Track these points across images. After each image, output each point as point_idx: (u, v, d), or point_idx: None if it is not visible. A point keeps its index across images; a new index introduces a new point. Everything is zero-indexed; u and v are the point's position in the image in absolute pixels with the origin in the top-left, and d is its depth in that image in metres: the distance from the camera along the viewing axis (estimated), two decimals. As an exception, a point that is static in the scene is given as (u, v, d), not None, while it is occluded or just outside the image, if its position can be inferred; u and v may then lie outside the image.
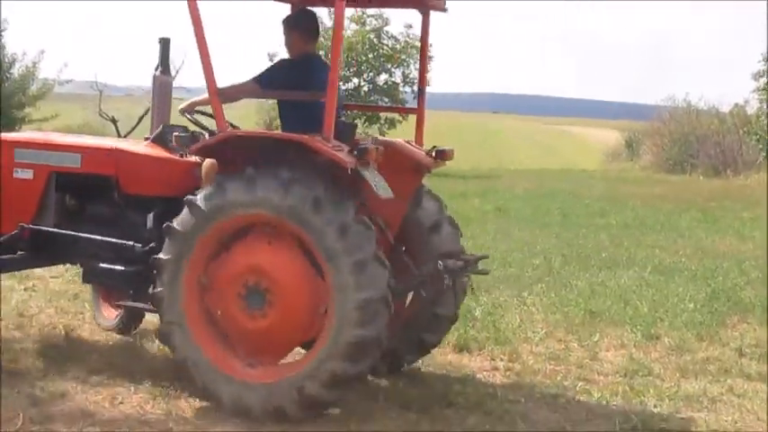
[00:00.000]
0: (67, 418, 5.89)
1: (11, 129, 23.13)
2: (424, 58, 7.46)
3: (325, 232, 5.69)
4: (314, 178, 5.79)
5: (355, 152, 5.84)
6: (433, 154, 6.89)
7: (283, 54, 7.02)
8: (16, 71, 26.73)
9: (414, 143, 6.92)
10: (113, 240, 6.71)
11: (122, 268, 6.60)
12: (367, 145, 5.95)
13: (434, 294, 6.64)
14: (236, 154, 6.10)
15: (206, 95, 6.37)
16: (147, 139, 7.10)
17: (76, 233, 6.87)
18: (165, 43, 6.85)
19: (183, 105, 6.83)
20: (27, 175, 6.96)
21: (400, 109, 7.54)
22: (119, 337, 7.77)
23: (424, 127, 7.05)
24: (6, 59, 26.77)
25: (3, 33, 26.59)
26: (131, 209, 6.71)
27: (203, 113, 6.85)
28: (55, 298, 9.15)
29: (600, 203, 21.85)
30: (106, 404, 6.18)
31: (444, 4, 6.88)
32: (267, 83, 6.56)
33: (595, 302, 9.79)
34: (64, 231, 6.92)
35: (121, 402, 6.22)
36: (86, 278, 7.08)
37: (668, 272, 12.14)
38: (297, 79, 6.47)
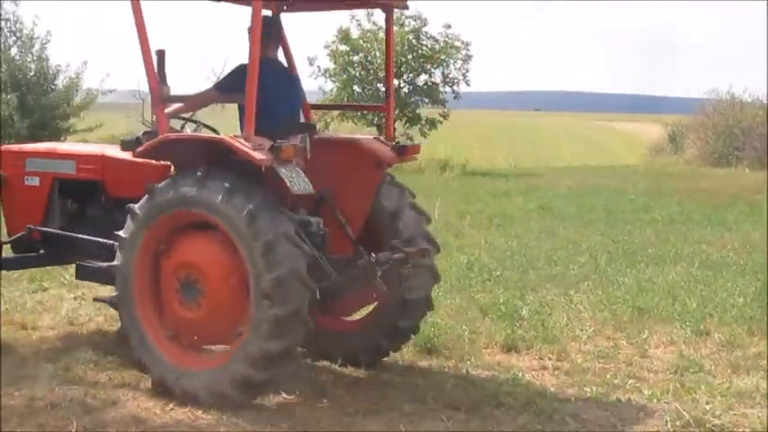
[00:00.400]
0: (119, 424, 5.95)
1: (56, 139, 23.41)
2: (389, 55, 7.45)
3: (237, 219, 6.04)
4: (227, 174, 6.16)
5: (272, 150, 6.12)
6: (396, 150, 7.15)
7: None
8: (60, 82, 27.03)
9: (382, 139, 7.22)
10: (102, 240, 7.07)
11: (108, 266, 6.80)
12: (282, 144, 6.19)
13: (400, 280, 6.87)
14: (177, 155, 6.59)
15: (181, 104, 7.01)
16: None
17: (73, 234, 7.40)
18: (160, 55, 7.00)
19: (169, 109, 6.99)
20: (35, 182, 7.66)
21: (368, 107, 7.81)
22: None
23: (392, 123, 7.37)
24: (51, 71, 27.09)
25: (47, 46, 26.94)
26: (118, 211, 6.94)
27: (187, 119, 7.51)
28: (104, 306, 9.19)
29: (644, 199, 21.67)
30: (157, 410, 6.23)
31: (405, 0, 7.19)
32: (226, 87, 6.91)
33: (643, 299, 9.72)
34: (60, 232, 7.46)
35: (173, 409, 6.26)
36: (78, 276, 7.57)
37: (716, 267, 12.01)
38: (264, 82, 6.51)
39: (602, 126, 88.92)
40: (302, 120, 7.29)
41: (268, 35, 6.77)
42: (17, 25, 26.48)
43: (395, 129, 7.74)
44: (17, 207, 7.75)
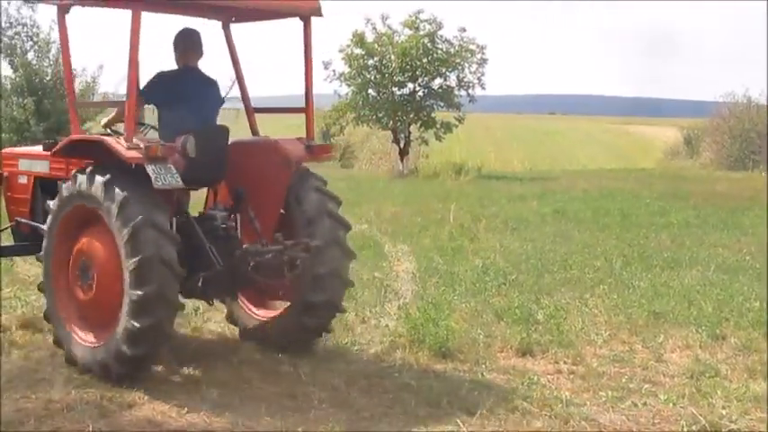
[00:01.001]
0: (135, 428, 5.97)
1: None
2: (308, 63, 7.81)
3: (111, 209, 6.70)
4: (112, 170, 6.84)
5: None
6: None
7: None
8: (77, 86, 27.11)
9: (305, 139, 7.83)
10: None
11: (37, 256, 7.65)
12: (151, 143, 6.86)
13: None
14: (83, 154, 7.33)
15: (118, 112, 7.81)
16: None
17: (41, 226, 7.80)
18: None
19: (103, 121, 7.99)
20: (24, 180, 8.45)
21: (288, 110, 8.08)
22: (184, 346, 7.84)
23: (313, 124, 7.95)
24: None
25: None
26: None
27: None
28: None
29: (660, 202, 21.62)
30: (173, 414, 6.25)
31: (320, 9, 7.67)
32: (146, 94, 7.54)
33: (659, 303, 9.69)
34: (39, 225, 7.92)
35: (188, 412, 6.28)
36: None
37: (732, 271, 11.97)
38: (173, 88, 7.50)
39: (618, 129, 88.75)
40: (218, 122, 7.87)
41: (193, 46, 7.68)
42: (34, 30, 26.61)
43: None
44: (13, 202, 8.63)
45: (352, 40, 40.16)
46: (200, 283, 7.16)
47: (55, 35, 26.56)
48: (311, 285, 7.54)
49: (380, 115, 40.54)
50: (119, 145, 6.84)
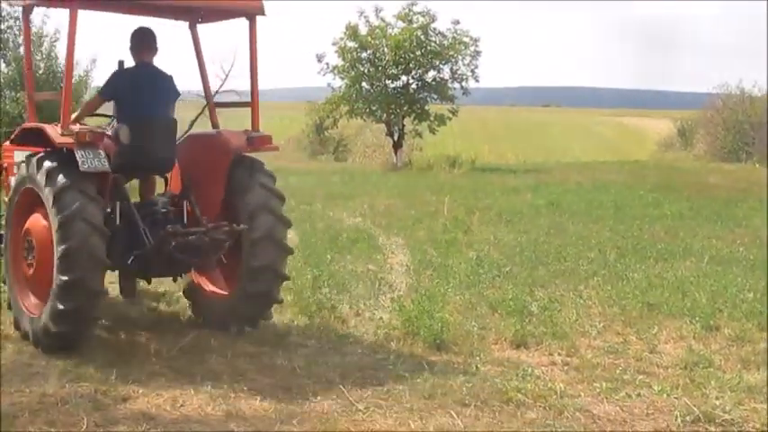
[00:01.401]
0: (130, 421, 5.95)
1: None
2: (253, 60, 8.29)
3: (49, 198, 7.26)
4: (53, 156, 7.44)
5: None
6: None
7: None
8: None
9: (249, 131, 8.29)
10: None
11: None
12: (81, 130, 7.38)
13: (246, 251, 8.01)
14: (35, 141, 7.82)
15: (81, 107, 8.67)
16: None
17: None
18: (120, 64, 8.29)
19: (73, 116, 8.13)
20: (17, 170, 8.41)
21: (236, 104, 8.55)
22: (178, 341, 7.84)
23: (258, 115, 8.34)
24: (60, 69, 27.13)
25: (56, 44, 26.95)
26: None
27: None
28: (113, 306, 9.24)
29: (654, 194, 21.67)
30: (167, 407, 6.24)
31: (263, 8, 8.12)
32: (106, 92, 8.26)
33: (653, 294, 9.71)
34: None
35: (182, 405, 6.28)
36: None
37: (726, 262, 12.01)
38: (127, 84, 8.09)
39: (611, 122, 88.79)
40: (173, 115, 8.33)
41: (146, 43, 8.22)
42: (26, 23, 26.56)
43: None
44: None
45: (345, 33, 40.13)
46: (130, 261, 7.84)
47: (48, 28, 26.55)
48: (247, 276, 8.04)
49: (374, 108, 40.54)
50: (54, 132, 7.49)
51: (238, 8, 8.25)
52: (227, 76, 32.25)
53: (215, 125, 8.67)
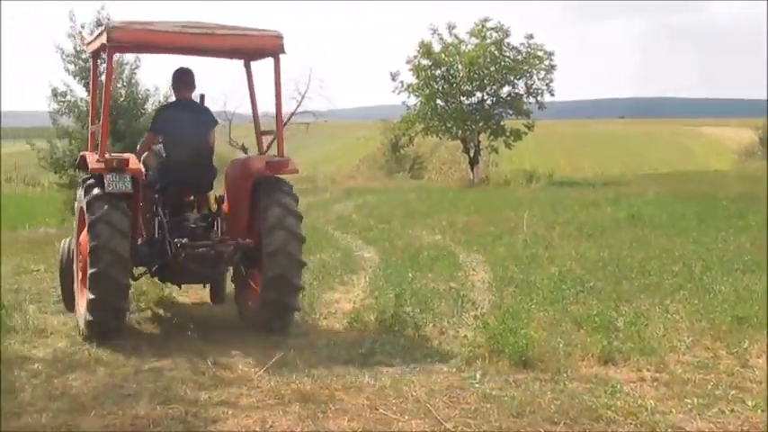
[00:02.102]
0: (220, 442, 6.01)
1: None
2: (278, 94, 9.38)
3: (84, 209, 8.75)
4: (91, 180, 8.84)
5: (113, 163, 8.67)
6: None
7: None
8: (150, 106, 27.56)
9: (270, 156, 9.37)
10: None
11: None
12: (112, 158, 8.64)
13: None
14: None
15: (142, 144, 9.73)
16: None
17: None
18: (202, 97, 9.66)
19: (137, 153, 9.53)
20: None
21: (267, 132, 9.52)
22: (265, 360, 7.90)
23: (282, 142, 9.35)
24: (140, 96, 27.67)
25: (136, 71, 27.49)
26: None
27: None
28: (201, 326, 9.37)
29: (737, 204, 21.27)
30: (257, 428, 6.27)
31: (283, 47, 9.10)
32: (154, 128, 9.60)
33: (742, 308, 9.50)
34: None
35: (271, 426, 6.30)
36: None
37: (815, 272, 11.70)
38: (168, 118, 9.49)
39: (689, 131, 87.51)
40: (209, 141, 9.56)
41: (184, 82, 9.51)
42: (107, 53, 27.11)
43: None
44: None
45: (419, 51, 40.26)
46: (153, 270, 9.28)
47: (128, 56, 27.04)
48: (264, 286, 8.98)
49: (449, 125, 40.59)
50: (92, 159, 8.88)
51: (261, 49, 9.36)
52: (302, 97, 32.57)
53: (260, 150, 9.74)
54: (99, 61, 10.78)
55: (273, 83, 9.25)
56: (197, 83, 9.59)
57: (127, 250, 8.50)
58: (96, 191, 8.61)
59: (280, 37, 9.10)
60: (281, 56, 9.17)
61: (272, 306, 8.94)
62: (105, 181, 8.53)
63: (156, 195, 9.33)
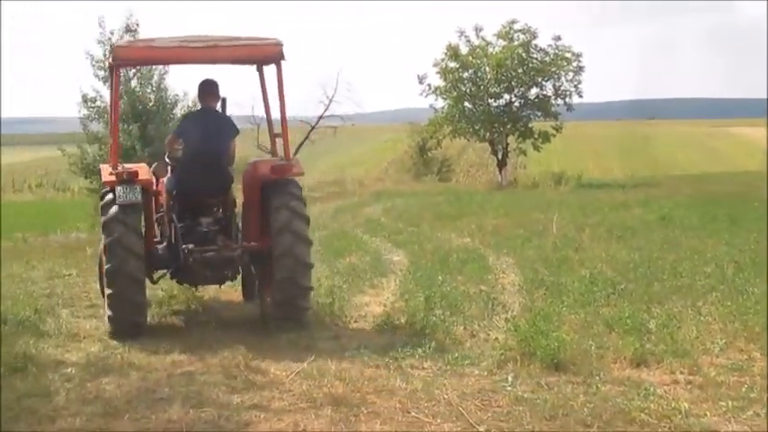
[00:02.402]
0: (253, 445, 6.03)
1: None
2: (282, 99, 9.72)
3: (101, 226, 9.37)
4: (107, 193, 9.34)
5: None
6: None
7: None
8: (179, 111, 27.71)
9: (277, 159, 9.88)
10: None
11: None
12: (122, 170, 9.17)
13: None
14: None
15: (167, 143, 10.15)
16: None
17: None
18: (223, 101, 9.92)
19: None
20: None
21: (277, 135, 10.06)
22: (296, 364, 7.93)
23: (288, 145, 9.79)
24: (169, 101, 27.84)
25: (165, 77, 27.65)
26: None
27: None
28: (231, 330, 9.41)
29: (769, 206, 21.06)
30: (289, 431, 6.29)
31: (282, 54, 9.50)
32: (177, 131, 10.04)
33: (776, 310, 9.40)
34: None
35: (304, 429, 6.31)
36: None
37: None
38: (193, 124, 9.90)
39: (720, 132, 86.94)
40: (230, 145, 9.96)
41: (208, 92, 9.87)
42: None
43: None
44: None
45: (446, 54, 40.25)
46: (168, 273, 9.82)
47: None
48: (273, 287, 9.35)
49: (477, 127, 40.53)
50: (106, 172, 9.46)
51: (261, 57, 9.86)
52: (330, 101, 32.65)
53: (273, 153, 10.20)
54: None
55: (277, 89, 9.67)
56: (223, 88, 9.93)
57: (141, 247, 9.06)
58: (109, 199, 9.20)
59: (279, 45, 9.52)
60: (283, 62, 9.55)
61: (284, 307, 9.28)
62: (116, 193, 9.05)
63: (172, 202, 9.71)
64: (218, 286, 10.57)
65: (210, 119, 9.79)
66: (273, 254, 9.23)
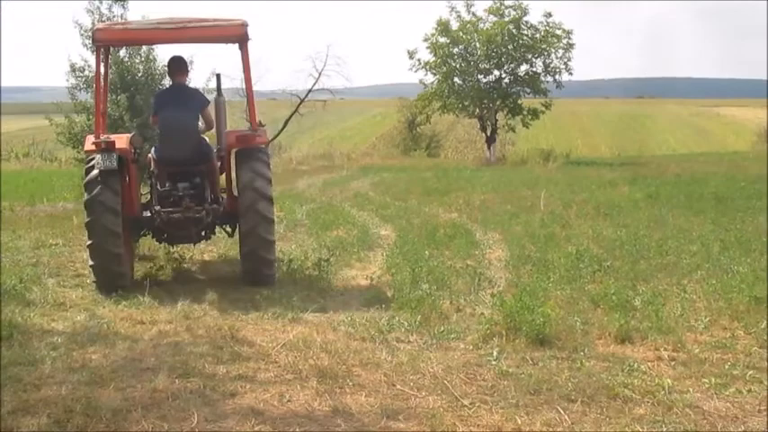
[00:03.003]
0: (238, 416, 6.04)
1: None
2: (248, 78, 10.65)
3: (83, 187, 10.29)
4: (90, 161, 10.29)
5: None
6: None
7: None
8: (167, 82, 27.53)
9: (245, 129, 10.89)
10: None
11: None
12: (101, 140, 10.16)
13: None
14: None
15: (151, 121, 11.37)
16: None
17: None
18: (218, 76, 11.02)
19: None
20: None
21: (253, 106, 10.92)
22: (282, 336, 7.95)
23: (255, 115, 10.61)
24: (158, 72, 27.65)
25: (153, 48, 27.45)
26: None
27: None
28: (218, 301, 9.42)
29: (756, 185, 21.15)
30: (275, 402, 6.31)
31: (246, 35, 10.39)
32: (154, 107, 10.93)
33: (760, 288, 9.43)
34: None
35: (289, 400, 6.34)
36: None
37: (835, 254, 11.63)
38: (166, 100, 10.72)
39: (708, 112, 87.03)
40: (201, 124, 10.78)
41: (176, 68, 10.77)
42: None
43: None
44: None
45: (436, 29, 40.12)
46: (145, 232, 10.92)
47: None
48: (242, 241, 10.30)
49: (466, 103, 40.46)
50: (88, 142, 10.41)
51: (227, 36, 10.57)
52: (319, 74, 32.48)
53: (252, 125, 10.65)
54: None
55: (242, 65, 10.50)
56: (219, 64, 11.17)
57: (117, 204, 9.94)
58: (90, 165, 10.15)
59: (244, 25, 10.40)
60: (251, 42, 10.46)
61: (251, 259, 10.15)
62: (95, 160, 10.01)
63: (156, 170, 10.64)
64: (206, 256, 11.45)
65: (179, 93, 10.66)
66: (239, 211, 10.18)
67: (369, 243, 13.37)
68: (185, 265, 11.56)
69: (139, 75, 26.92)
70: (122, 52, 26.88)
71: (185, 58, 10.93)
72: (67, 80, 28.03)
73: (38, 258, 12.08)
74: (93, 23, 26.83)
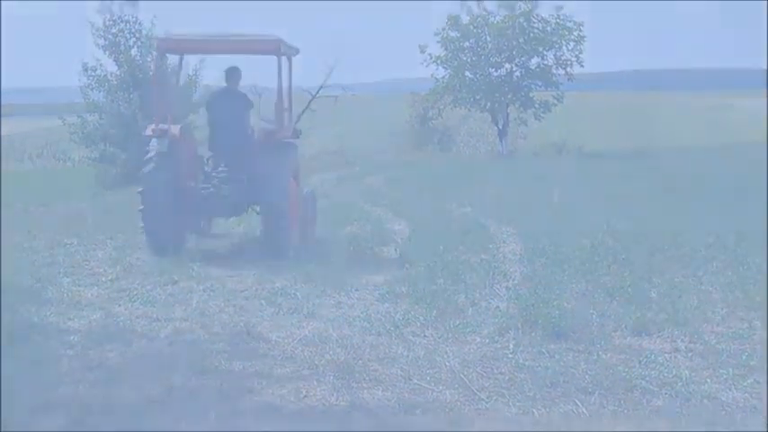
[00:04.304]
0: (255, 412, 6.05)
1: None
2: (280, 83, 12.30)
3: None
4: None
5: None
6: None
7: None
8: (179, 80, 27.54)
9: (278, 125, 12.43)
10: None
11: None
12: (162, 128, 11.90)
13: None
14: None
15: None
16: None
17: None
18: (255, 87, 12.66)
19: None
20: None
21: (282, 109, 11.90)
22: (298, 332, 7.95)
23: (282, 116, 12.33)
24: (169, 69, 27.69)
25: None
26: None
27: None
28: (232, 297, 9.43)
29: (771, 176, 21.00)
30: (291, 398, 6.33)
31: (279, 49, 12.09)
32: (206, 105, 13.08)
33: (776, 279, 9.42)
34: None
35: (306, 396, 6.35)
36: None
37: None
38: (214, 100, 12.89)
39: (721, 104, 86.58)
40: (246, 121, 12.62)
41: (230, 77, 12.65)
42: (136, 27, 27.09)
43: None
44: None
45: (447, 23, 40.00)
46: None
47: (157, 31, 27.00)
48: (261, 216, 12.00)
49: (478, 97, 40.31)
50: (149, 129, 12.12)
51: (263, 50, 12.60)
52: (331, 70, 32.51)
53: (278, 123, 12.26)
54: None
55: (276, 75, 12.22)
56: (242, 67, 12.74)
57: (164, 179, 11.65)
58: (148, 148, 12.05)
59: (277, 41, 12.05)
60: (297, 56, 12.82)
61: (269, 229, 11.71)
62: (151, 143, 11.94)
63: (207, 157, 12.59)
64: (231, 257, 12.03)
65: (229, 96, 12.65)
66: (261, 188, 11.75)
67: (383, 238, 13.35)
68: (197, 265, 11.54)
69: (151, 73, 26.97)
70: (134, 51, 26.97)
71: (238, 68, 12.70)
72: (79, 79, 28.07)
73: (53, 258, 12.11)
74: (104, 23, 26.93)
